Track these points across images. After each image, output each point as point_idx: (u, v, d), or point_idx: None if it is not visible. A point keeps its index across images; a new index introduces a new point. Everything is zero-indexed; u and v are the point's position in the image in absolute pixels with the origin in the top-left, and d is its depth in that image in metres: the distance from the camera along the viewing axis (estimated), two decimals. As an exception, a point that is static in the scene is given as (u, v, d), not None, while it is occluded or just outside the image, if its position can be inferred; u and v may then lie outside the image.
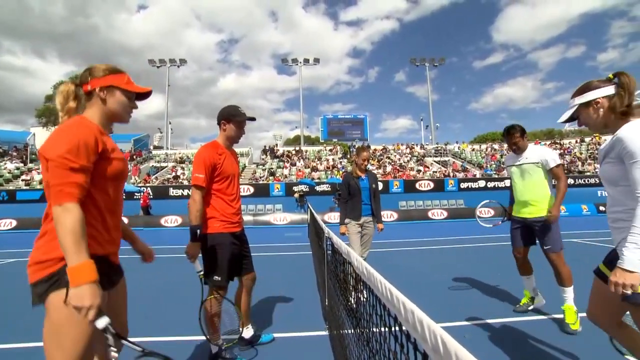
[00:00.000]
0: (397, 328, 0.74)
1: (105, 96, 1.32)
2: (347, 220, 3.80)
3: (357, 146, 3.91)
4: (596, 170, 21.85)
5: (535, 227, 2.95)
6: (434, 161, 25.70)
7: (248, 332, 2.63)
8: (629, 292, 1.29)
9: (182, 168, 23.44)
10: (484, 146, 29.30)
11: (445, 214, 16.36)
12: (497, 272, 4.72)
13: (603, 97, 1.48)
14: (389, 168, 22.97)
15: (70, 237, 1.07)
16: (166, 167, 24.51)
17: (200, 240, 2.24)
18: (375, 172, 19.80)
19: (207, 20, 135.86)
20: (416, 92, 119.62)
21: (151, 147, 32.06)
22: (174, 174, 22.31)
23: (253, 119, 2.53)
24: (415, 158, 25.89)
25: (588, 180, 19.66)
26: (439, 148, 28.35)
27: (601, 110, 1.49)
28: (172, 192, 18.05)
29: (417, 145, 29.25)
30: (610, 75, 1.50)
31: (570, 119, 1.63)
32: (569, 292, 2.77)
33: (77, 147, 1.13)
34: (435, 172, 22.87)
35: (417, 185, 19.44)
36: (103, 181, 1.25)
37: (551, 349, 2.44)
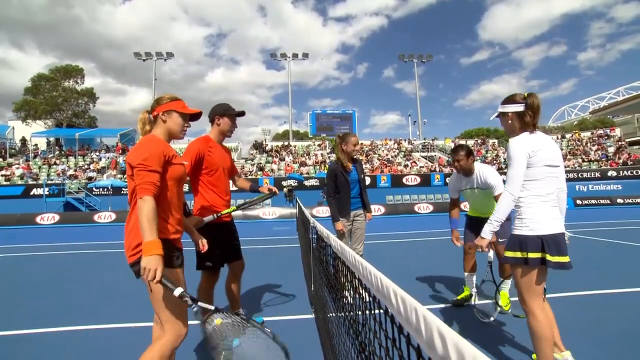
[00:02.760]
0: (381, 311, 0.82)
1: (166, 118, 1.72)
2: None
3: (341, 134, 3.42)
4: (575, 165, 22.75)
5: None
6: (421, 156, 26.17)
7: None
8: (480, 250, 2.02)
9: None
10: (470, 142, 29.98)
11: (431, 207, 16.79)
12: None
13: (513, 112, 1.90)
14: (376, 163, 23.29)
15: (146, 220, 1.43)
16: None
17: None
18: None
19: (195, 14, 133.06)
20: (404, 88, 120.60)
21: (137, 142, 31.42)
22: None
23: (243, 113, 2.69)
24: (402, 153, 26.30)
25: (568, 175, 20.46)
26: (426, 143, 28.86)
27: (509, 121, 1.92)
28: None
29: (404, 140, 29.69)
30: (525, 95, 1.88)
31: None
32: (507, 284, 3.10)
33: (151, 156, 1.54)
34: (422, 167, 23.33)
35: (404, 180, 19.83)
36: (170, 182, 1.64)
37: (495, 329, 2.71)
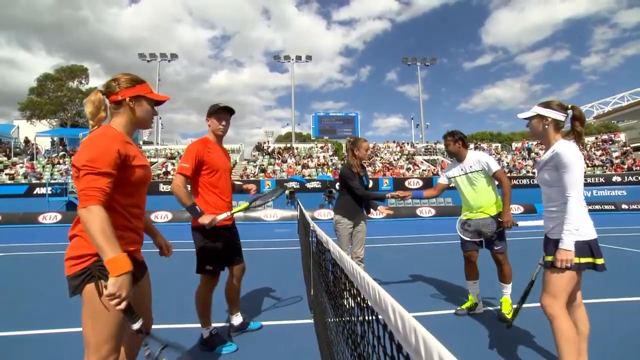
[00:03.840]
0: (373, 317, 0.79)
1: (134, 105, 1.43)
2: (342, 220, 3.42)
3: (351, 139, 3.40)
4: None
5: (486, 229, 2.98)
6: (424, 160, 26.10)
7: (237, 319, 2.77)
8: (569, 265, 1.78)
9: (173, 164, 23.25)
10: (472, 146, 29.86)
11: (434, 211, 16.71)
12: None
13: (552, 119, 1.93)
14: (379, 166, 23.24)
15: (100, 235, 1.19)
16: (156, 162, 24.27)
17: (198, 217, 2.26)
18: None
19: (199, 16, 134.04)
20: (407, 92, 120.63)
21: (140, 143, 31.66)
22: (164, 169, 22.12)
23: (227, 108, 2.52)
24: (405, 156, 26.24)
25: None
26: (429, 147, 28.79)
27: (545, 125, 1.94)
28: (162, 187, 17.93)
29: (407, 143, 29.62)
30: (569, 106, 1.96)
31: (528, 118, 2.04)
32: (508, 288, 3.05)
33: (100, 155, 1.26)
34: (425, 170, 23.25)
35: (406, 183, 19.75)
36: (126, 186, 1.37)
37: (495, 338, 2.65)
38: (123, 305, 1.19)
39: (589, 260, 1.82)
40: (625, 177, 20.17)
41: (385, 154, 26.52)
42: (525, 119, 2.03)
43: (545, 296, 1.86)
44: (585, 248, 1.82)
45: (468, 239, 3.06)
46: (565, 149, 1.85)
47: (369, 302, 0.78)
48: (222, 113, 2.52)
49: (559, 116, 1.92)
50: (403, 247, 7.52)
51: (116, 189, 1.32)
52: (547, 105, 1.95)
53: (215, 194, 2.48)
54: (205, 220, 2.22)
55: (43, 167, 21.64)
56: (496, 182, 3.13)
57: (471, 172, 3.10)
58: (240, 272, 2.70)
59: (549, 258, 1.88)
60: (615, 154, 24.10)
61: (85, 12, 78.38)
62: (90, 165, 1.25)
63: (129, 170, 1.37)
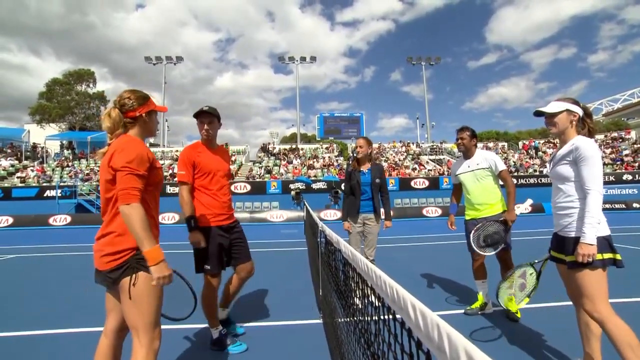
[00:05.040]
0: (389, 316, 0.80)
1: (148, 119, 1.67)
2: (349, 220, 3.59)
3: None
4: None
5: (497, 237, 2.92)
6: (430, 159, 25.94)
7: (222, 314, 2.71)
8: (591, 260, 1.71)
9: (179, 166, 23.42)
10: (480, 144, 29.60)
11: (440, 211, 16.59)
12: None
13: (579, 115, 1.96)
14: (384, 166, 23.14)
15: (141, 230, 1.39)
16: (162, 164, 24.53)
17: (197, 229, 2.41)
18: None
19: (204, 20, 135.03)
20: (412, 92, 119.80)
21: (147, 145, 31.88)
22: (170, 171, 22.32)
23: (203, 111, 2.48)
24: (410, 156, 26.11)
25: (580, 179, 20.01)
26: (435, 146, 28.60)
27: (573, 122, 1.94)
28: (169, 189, 18.09)
29: (412, 143, 29.47)
30: (583, 105, 2.00)
31: (541, 114, 2.01)
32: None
33: (137, 159, 1.46)
34: (431, 170, 23.11)
35: (412, 183, 19.65)
36: (149, 185, 1.57)
37: (507, 337, 2.63)
38: (168, 281, 1.43)
39: (610, 255, 1.77)
40: (636, 176, 19.82)
41: (391, 154, 26.42)
42: (553, 113, 1.96)
43: (586, 302, 1.77)
44: (605, 243, 1.78)
45: (482, 253, 2.95)
46: (585, 142, 1.84)
47: (385, 301, 0.78)
48: (203, 116, 2.50)
49: (581, 112, 1.94)
50: (409, 247, 7.48)
51: (145, 188, 1.52)
52: (575, 102, 1.96)
53: (208, 195, 2.50)
54: (190, 237, 2.39)
55: (53, 170, 21.98)
56: (500, 182, 3.15)
57: (478, 169, 3.11)
58: (244, 273, 2.64)
59: (571, 258, 1.81)
60: (625, 152, 23.69)
61: (92, 17, 79.83)
62: (130, 167, 1.43)
63: (152, 172, 1.57)
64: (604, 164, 22.59)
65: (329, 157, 25.50)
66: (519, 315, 2.92)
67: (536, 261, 2.23)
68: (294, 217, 15.62)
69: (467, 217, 3.20)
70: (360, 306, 1.24)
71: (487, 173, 3.08)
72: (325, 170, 22.47)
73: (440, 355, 0.46)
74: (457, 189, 3.42)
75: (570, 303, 2.03)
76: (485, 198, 3.08)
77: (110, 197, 1.50)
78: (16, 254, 7.42)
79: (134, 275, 1.45)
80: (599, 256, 1.74)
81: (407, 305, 0.60)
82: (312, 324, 2.97)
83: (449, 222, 3.37)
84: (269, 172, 22.38)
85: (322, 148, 27.92)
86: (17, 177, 20.72)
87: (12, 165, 22.44)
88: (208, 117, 2.50)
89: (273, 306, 3.51)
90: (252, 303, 3.57)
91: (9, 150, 24.72)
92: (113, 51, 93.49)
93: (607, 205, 17.13)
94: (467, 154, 3.22)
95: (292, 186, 18.52)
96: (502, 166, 3.07)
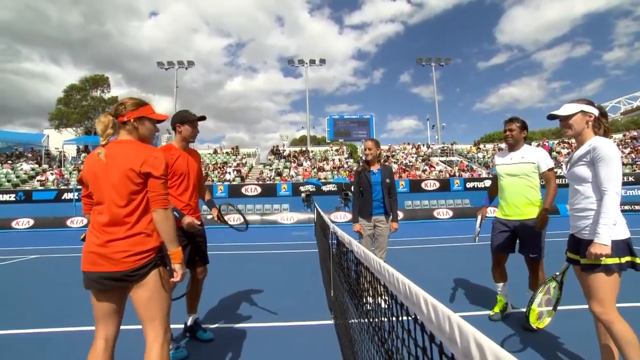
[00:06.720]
0: (407, 318, 0.79)
1: (138, 125, 1.69)
2: (361, 220, 3.56)
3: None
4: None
5: (523, 233, 2.85)
6: (440, 161, 25.66)
7: (191, 320, 2.75)
8: (602, 259, 1.72)
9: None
10: (490, 145, 29.14)
11: (451, 213, 16.40)
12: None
13: (595, 116, 1.94)
14: (395, 167, 23.01)
15: (173, 232, 1.59)
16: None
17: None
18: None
19: (215, 25, 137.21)
20: (421, 93, 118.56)
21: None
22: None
23: (202, 118, 2.73)
24: (421, 158, 25.88)
25: (597, 179, 19.44)
26: (445, 148, 28.28)
27: (589, 122, 1.93)
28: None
29: (423, 144, 29.21)
30: (597, 105, 1.97)
31: (555, 117, 1.99)
32: (539, 297, 2.88)
33: (165, 166, 1.63)
34: (441, 171, 22.86)
35: (422, 185, 19.47)
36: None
37: (526, 341, 2.59)
38: (184, 277, 1.66)
39: (629, 259, 1.76)
40: (657, 176, 19.16)
41: (402, 155, 26.26)
42: (567, 116, 1.94)
43: (594, 304, 1.78)
44: (624, 247, 1.76)
45: (498, 240, 2.90)
46: (604, 142, 1.82)
47: (398, 297, 0.81)
48: (197, 121, 2.69)
49: (596, 113, 1.92)
50: (420, 249, 7.43)
51: None
52: (590, 103, 1.94)
53: (173, 197, 2.48)
54: (185, 223, 2.42)
55: (70, 173, 22.65)
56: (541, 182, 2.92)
57: (522, 162, 2.89)
58: (201, 276, 2.74)
59: (585, 260, 1.80)
60: (645, 152, 22.94)
61: (109, 26, 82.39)
62: (165, 175, 1.61)
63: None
64: (623, 164, 21.92)
65: (339, 159, 25.51)
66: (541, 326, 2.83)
67: (557, 274, 2.21)
68: (304, 219, 15.67)
69: (499, 214, 3.02)
70: (373, 305, 1.27)
71: (530, 169, 2.86)
72: (335, 172, 22.48)
73: (452, 346, 0.49)
74: (495, 183, 3.16)
75: (584, 306, 2.01)
76: (522, 197, 2.86)
77: (134, 199, 1.57)
78: (36, 255, 7.69)
79: (161, 270, 1.60)
80: (616, 260, 1.73)
81: (419, 300, 0.63)
82: (324, 324, 2.99)
83: (478, 213, 3.20)
84: (279, 174, 22.52)
85: (332, 150, 27.94)
86: (37, 181, 21.42)
87: (33, 169, 23.21)
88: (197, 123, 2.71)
89: (284, 307, 3.55)
90: (263, 303, 3.62)
91: (29, 155, 25.60)
92: (127, 58, 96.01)
93: (627, 207, 16.61)
94: (514, 146, 2.98)
95: (302, 188, 18.58)
96: (549, 164, 2.84)
